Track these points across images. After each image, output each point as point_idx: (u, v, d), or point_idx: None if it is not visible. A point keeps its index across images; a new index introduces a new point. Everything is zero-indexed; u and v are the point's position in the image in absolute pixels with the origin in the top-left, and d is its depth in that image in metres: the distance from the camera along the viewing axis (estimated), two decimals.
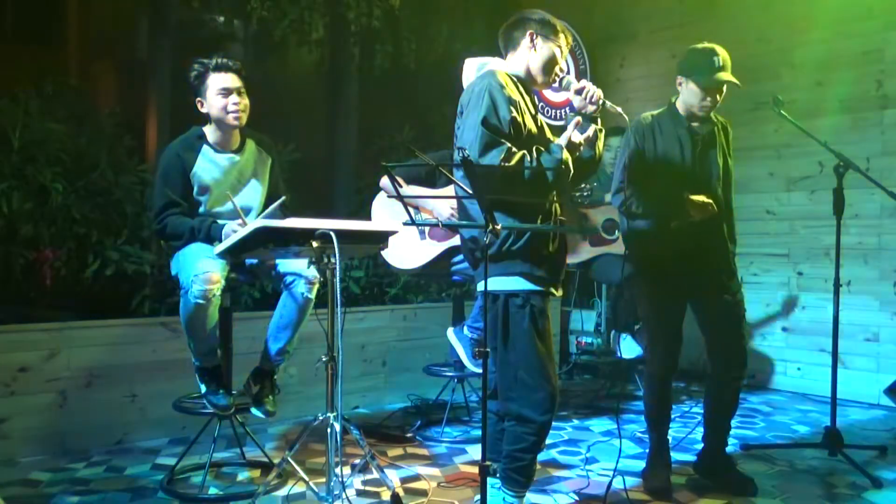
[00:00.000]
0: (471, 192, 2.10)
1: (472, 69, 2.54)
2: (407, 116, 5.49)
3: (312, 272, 2.86)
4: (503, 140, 2.27)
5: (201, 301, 2.69)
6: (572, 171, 2.37)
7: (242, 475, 3.18)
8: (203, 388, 2.92)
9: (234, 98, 2.95)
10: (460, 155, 2.11)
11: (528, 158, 2.29)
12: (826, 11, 4.89)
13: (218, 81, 2.95)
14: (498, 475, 2.49)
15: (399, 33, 5.36)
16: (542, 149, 2.36)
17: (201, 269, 2.70)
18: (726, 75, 2.93)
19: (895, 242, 4.63)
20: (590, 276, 4.91)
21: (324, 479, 2.70)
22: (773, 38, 5.14)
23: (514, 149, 2.27)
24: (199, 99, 2.99)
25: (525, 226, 2.37)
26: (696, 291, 3.02)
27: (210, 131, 3.02)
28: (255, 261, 2.99)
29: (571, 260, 4.96)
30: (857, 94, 4.75)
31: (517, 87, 2.44)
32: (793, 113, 3.43)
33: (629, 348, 4.44)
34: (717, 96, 2.96)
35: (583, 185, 4.03)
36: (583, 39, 5.73)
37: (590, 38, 5.84)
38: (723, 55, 2.95)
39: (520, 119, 2.35)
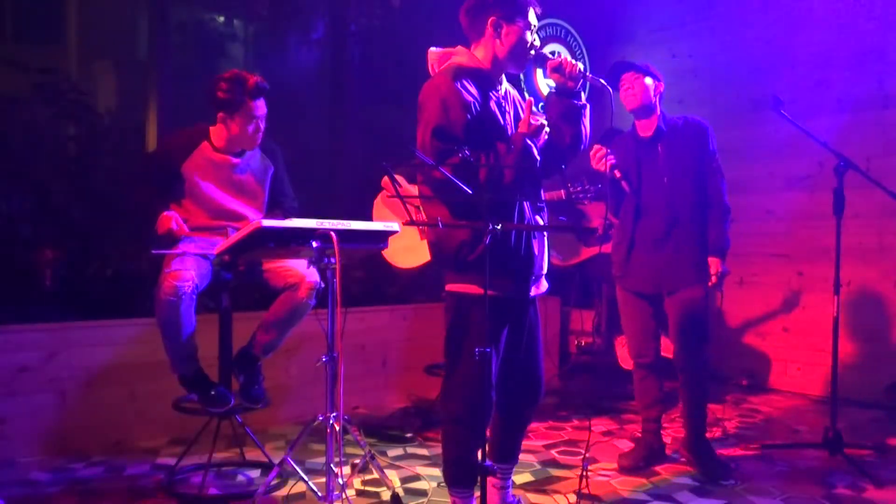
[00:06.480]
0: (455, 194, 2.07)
1: (435, 60, 2.44)
2: (407, 116, 5.50)
3: (314, 276, 2.86)
4: (454, 147, 2.16)
5: (172, 298, 2.70)
6: (538, 158, 2.24)
7: (242, 475, 3.18)
8: (196, 397, 2.92)
9: (260, 125, 2.96)
10: (461, 156, 2.10)
11: (485, 158, 2.18)
12: (826, 11, 4.89)
13: (253, 109, 2.91)
14: (442, 479, 2.45)
15: (399, 33, 5.37)
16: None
17: (174, 267, 2.74)
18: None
19: (895, 242, 4.63)
20: (585, 274, 4.93)
21: (324, 479, 2.70)
22: (773, 38, 5.14)
23: (467, 153, 2.13)
24: (221, 113, 2.93)
25: (522, 226, 2.35)
26: (658, 289, 3.27)
27: (216, 133, 3.00)
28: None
29: (569, 261, 4.96)
30: (856, 94, 4.75)
31: (479, 82, 2.31)
32: (793, 113, 3.44)
33: (626, 357, 4.44)
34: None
35: (587, 187, 4.01)
36: (583, 39, 5.73)
37: (590, 38, 5.84)
38: None
39: (474, 120, 2.22)
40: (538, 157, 2.26)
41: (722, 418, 4.17)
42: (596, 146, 3.08)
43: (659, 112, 3.26)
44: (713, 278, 3.19)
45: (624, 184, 3.19)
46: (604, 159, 3.06)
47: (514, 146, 2.23)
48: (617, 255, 3.34)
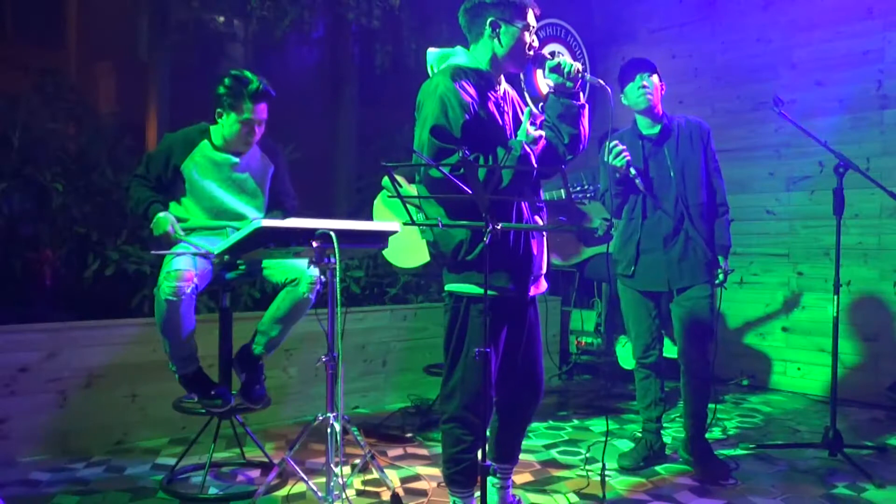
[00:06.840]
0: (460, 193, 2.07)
1: (434, 61, 2.44)
2: (407, 116, 5.50)
3: (315, 272, 2.86)
4: (453, 146, 2.17)
5: (172, 298, 2.70)
6: (535, 166, 2.25)
7: (242, 475, 3.18)
8: (196, 397, 2.92)
9: (255, 129, 2.94)
10: (461, 155, 2.10)
11: (484, 160, 2.20)
12: (826, 11, 4.90)
13: (249, 112, 2.89)
14: (442, 480, 2.45)
15: (399, 33, 5.37)
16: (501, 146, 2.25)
17: (174, 267, 2.73)
18: None
19: (895, 242, 4.63)
20: (585, 274, 4.93)
21: (324, 479, 2.70)
22: (773, 38, 5.15)
23: (466, 153, 2.10)
24: (219, 111, 2.93)
25: (521, 226, 2.35)
26: (668, 287, 3.25)
27: (216, 132, 3.01)
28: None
29: (570, 261, 4.97)
30: (856, 94, 4.75)
31: (477, 83, 2.31)
32: (793, 113, 3.44)
33: (626, 358, 4.45)
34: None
35: (587, 187, 4.01)
36: (583, 39, 5.73)
37: (590, 38, 5.84)
38: None
39: (473, 120, 2.23)
40: (535, 165, 2.27)
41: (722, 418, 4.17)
42: (614, 142, 3.09)
43: (662, 111, 3.27)
44: (721, 276, 3.21)
45: (637, 181, 3.16)
46: (620, 155, 3.06)
47: (513, 153, 2.23)
48: (624, 254, 3.31)
